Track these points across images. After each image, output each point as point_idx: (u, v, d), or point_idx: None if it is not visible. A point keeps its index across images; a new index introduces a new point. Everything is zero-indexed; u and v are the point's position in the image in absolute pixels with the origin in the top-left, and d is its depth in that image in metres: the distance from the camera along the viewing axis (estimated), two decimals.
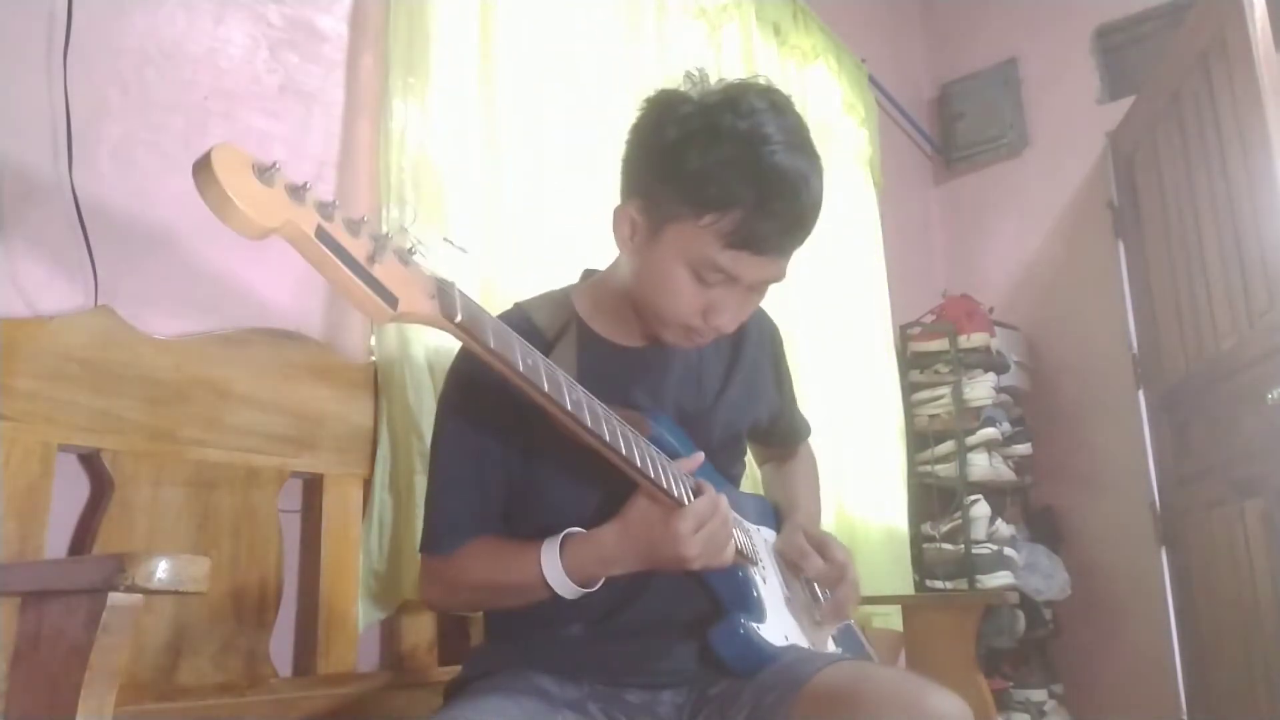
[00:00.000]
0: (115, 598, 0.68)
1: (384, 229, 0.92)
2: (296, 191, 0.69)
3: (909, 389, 2.99)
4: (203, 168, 0.63)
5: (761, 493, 1.40)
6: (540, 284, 1.26)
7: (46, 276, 1.16)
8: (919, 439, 2.97)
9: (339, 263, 0.71)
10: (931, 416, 2.97)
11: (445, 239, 1.52)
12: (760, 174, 0.96)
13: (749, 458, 1.37)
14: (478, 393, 1.04)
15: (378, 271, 0.73)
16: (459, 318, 0.80)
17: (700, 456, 1.05)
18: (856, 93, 2.98)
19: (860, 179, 2.94)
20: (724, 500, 1.01)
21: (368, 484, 1.41)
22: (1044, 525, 3.26)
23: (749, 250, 0.99)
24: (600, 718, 1.02)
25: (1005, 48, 3.73)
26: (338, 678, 1.32)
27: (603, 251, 1.18)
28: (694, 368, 1.18)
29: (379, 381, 1.44)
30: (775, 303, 1.30)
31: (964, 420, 2.90)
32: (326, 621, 1.33)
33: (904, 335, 3.07)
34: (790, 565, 1.20)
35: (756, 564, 1.13)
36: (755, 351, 1.26)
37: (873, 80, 3.16)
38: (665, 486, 0.96)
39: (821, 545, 1.19)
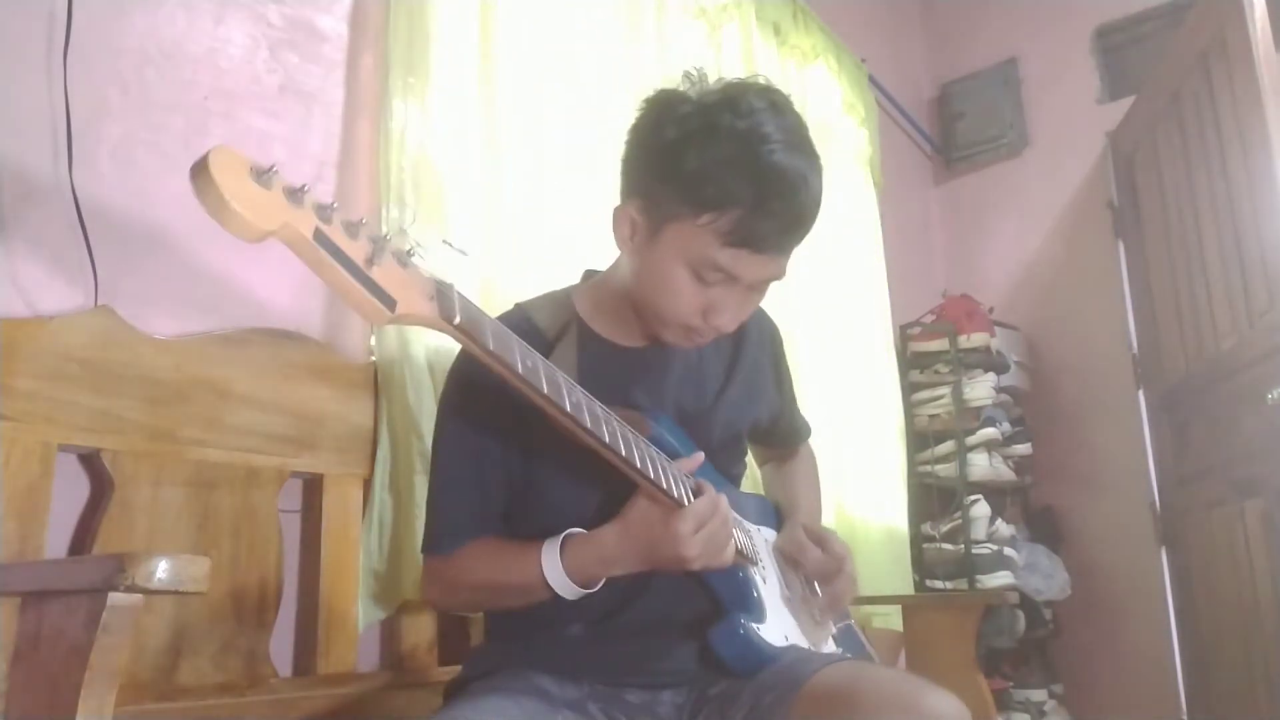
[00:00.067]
0: (115, 598, 0.68)
1: (383, 230, 0.92)
2: (294, 194, 0.69)
3: (909, 389, 2.99)
4: (200, 171, 0.63)
5: (762, 493, 1.41)
6: (540, 284, 1.26)
7: (46, 276, 1.16)
8: (919, 439, 2.97)
9: (337, 265, 0.71)
10: (931, 416, 2.97)
11: (445, 241, 1.52)
12: (759, 173, 0.96)
13: (749, 458, 1.37)
14: (478, 394, 1.04)
15: (376, 274, 0.73)
16: (458, 319, 0.80)
17: (700, 456, 1.05)
18: (856, 93, 2.98)
19: (860, 179, 2.94)
20: (724, 500, 1.01)
21: (368, 484, 1.41)
22: (1044, 525, 3.26)
23: (748, 249, 0.99)
24: (600, 718, 1.02)
25: (1005, 48, 3.73)
26: (338, 678, 1.32)
27: (603, 251, 1.18)
28: (694, 368, 1.18)
29: (379, 381, 1.44)
30: (775, 303, 1.30)
31: (964, 420, 2.90)
32: (326, 621, 1.33)
33: (904, 335, 3.07)
34: (789, 560, 1.20)
35: (757, 564, 1.13)
36: (755, 351, 1.26)
37: (873, 80, 3.16)
38: (665, 487, 0.96)
39: (821, 540, 1.19)
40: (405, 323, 0.78)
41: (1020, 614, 2.78)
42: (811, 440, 1.46)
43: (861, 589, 2.27)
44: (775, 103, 1.01)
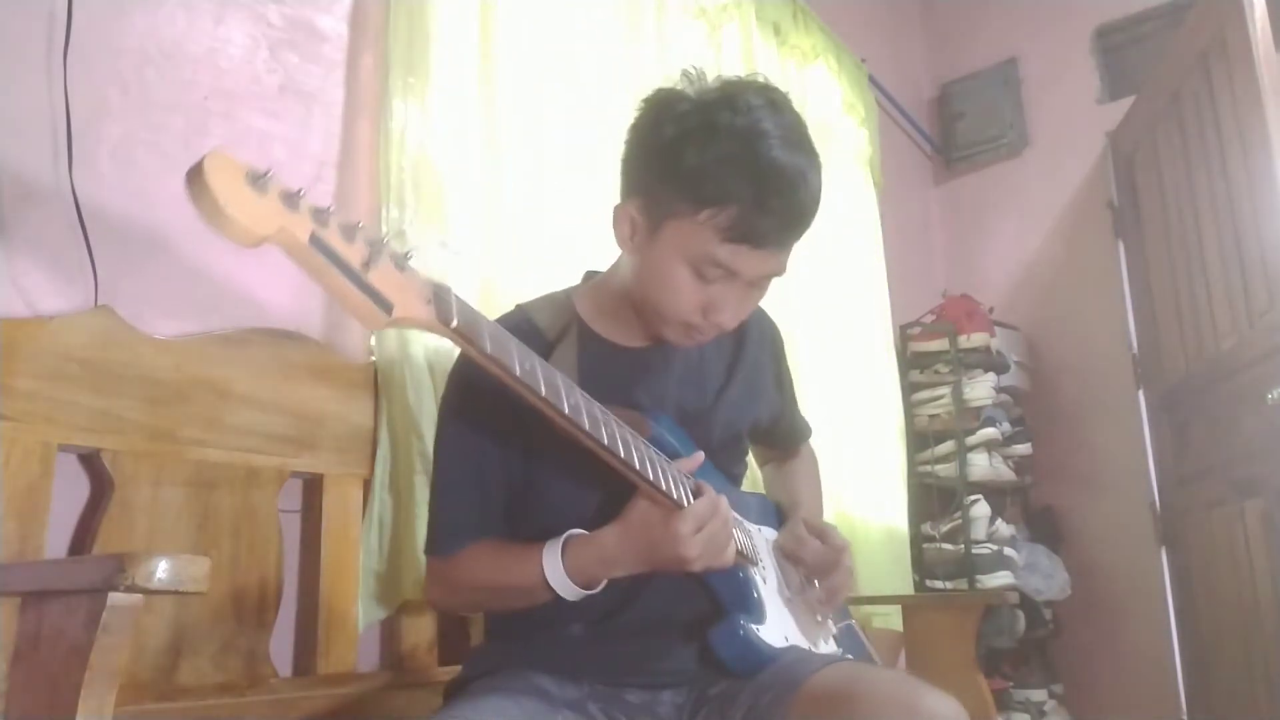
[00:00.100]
0: (115, 598, 0.68)
1: (381, 233, 0.92)
2: (290, 198, 0.68)
3: (909, 389, 2.99)
4: (195, 176, 0.63)
5: (763, 492, 1.41)
6: (540, 284, 1.26)
7: (46, 276, 1.16)
8: (919, 439, 2.97)
9: (334, 269, 0.71)
10: (931, 416, 2.97)
11: (442, 243, 1.52)
12: (758, 170, 0.97)
13: (750, 458, 1.37)
14: (478, 396, 1.04)
15: (373, 278, 0.73)
16: (455, 323, 0.80)
17: (700, 456, 1.05)
18: (856, 93, 2.98)
19: (860, 179, 2.94)
20: (724, 501, 1.01)
21: (368, 484, 1.42)
22: (1044, 525, 3.26)
23: (748, 244, 0.99)
24: (600, 718, 1.02)
25: (1005, 48, 3.73)
26: (338, 678, 1.32)
27: (603, 251, 1.18)
28: (695, 368, 1.18)
29: (379, 382, 1.44)
30: (775, 302, 1.30)
31: (964, 420, 2.90)
32: (326, 621, 1.33)
33: (904, 335, 3.07)
34: (790, 554, 1.20)
35: (757, 564, 1.13)
36: (756, 351, 1.26)
37: (873, 80, 3.16)
38: (665, 489, 0.96)
39: (821, 533, 1.19)
40: (402, 326, 0.78)
41: (1020, 614, 2.78)
42: (812, 440, 1.46)
43: (861, 589, 2.29)
44: (773, 100, 1.01)
